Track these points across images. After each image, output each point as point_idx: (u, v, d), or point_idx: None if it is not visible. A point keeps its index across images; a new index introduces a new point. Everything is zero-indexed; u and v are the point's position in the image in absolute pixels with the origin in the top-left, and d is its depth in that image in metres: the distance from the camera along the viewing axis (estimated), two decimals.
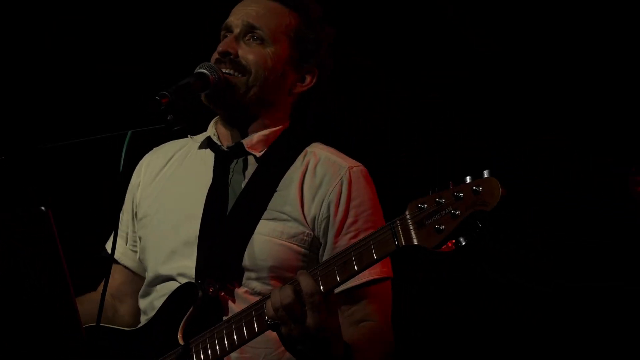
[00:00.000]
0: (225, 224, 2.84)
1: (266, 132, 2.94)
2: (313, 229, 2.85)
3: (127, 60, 4.84)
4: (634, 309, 4.46)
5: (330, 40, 3.02)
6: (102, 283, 3.05)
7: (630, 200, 4.22)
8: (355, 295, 2.84)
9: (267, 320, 2.57)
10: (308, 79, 2.99)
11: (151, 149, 3.15)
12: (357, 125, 4.71)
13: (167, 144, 3.14)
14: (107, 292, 2.64)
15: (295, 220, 2.84)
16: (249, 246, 2.80)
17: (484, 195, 2.34)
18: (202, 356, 2.68)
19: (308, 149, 2.97)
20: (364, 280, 2.81)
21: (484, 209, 2.34)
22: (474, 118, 4.78)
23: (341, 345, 2.58)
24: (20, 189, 3.99)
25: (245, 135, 2.95)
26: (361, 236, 2.66)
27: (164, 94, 2.72)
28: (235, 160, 2.94)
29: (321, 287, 2.53)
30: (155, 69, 4.57)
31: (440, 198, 2.39)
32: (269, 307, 2.54)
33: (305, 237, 2.84)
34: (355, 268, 2.51)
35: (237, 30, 2.93)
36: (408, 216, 2.43)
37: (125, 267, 3.10)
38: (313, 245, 2.85)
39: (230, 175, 2.92)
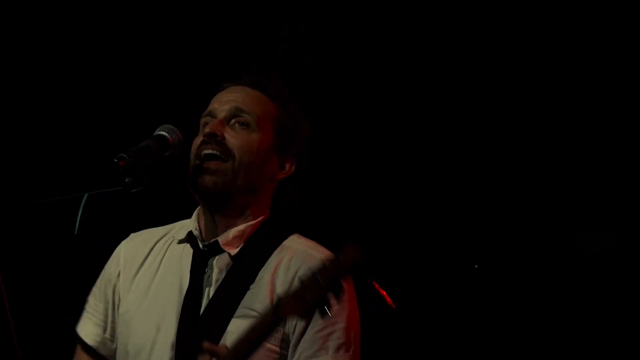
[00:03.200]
0: (199, 325, 2.82)
1: (242, 227, 2.90)
2: (284, 326, 2.79)
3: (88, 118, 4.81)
4: None
5: (306, 132, 3.04)
6: None
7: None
8: None
9: None
10: (287, 166, 2.98)
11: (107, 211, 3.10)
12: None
13: (144, 231, 3.10)
14: None
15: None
16: None
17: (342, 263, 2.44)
18: None
19: (285, 242, 2.92)
20: None
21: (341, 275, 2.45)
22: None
23: None
24: None
25: (226, 226, 2.92)
26: (329, 329, 2.72)
27: (122, 156, 2.70)
28: (212, 257, 2.91)
29: None
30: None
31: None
32: None
33: (275, 334, 2.76)
34: None
35: (222, 115, 2.93)
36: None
37: (103, 357, 3.03)
38: (284, 342, 2.79)
39: (207, 273, 2.90)
